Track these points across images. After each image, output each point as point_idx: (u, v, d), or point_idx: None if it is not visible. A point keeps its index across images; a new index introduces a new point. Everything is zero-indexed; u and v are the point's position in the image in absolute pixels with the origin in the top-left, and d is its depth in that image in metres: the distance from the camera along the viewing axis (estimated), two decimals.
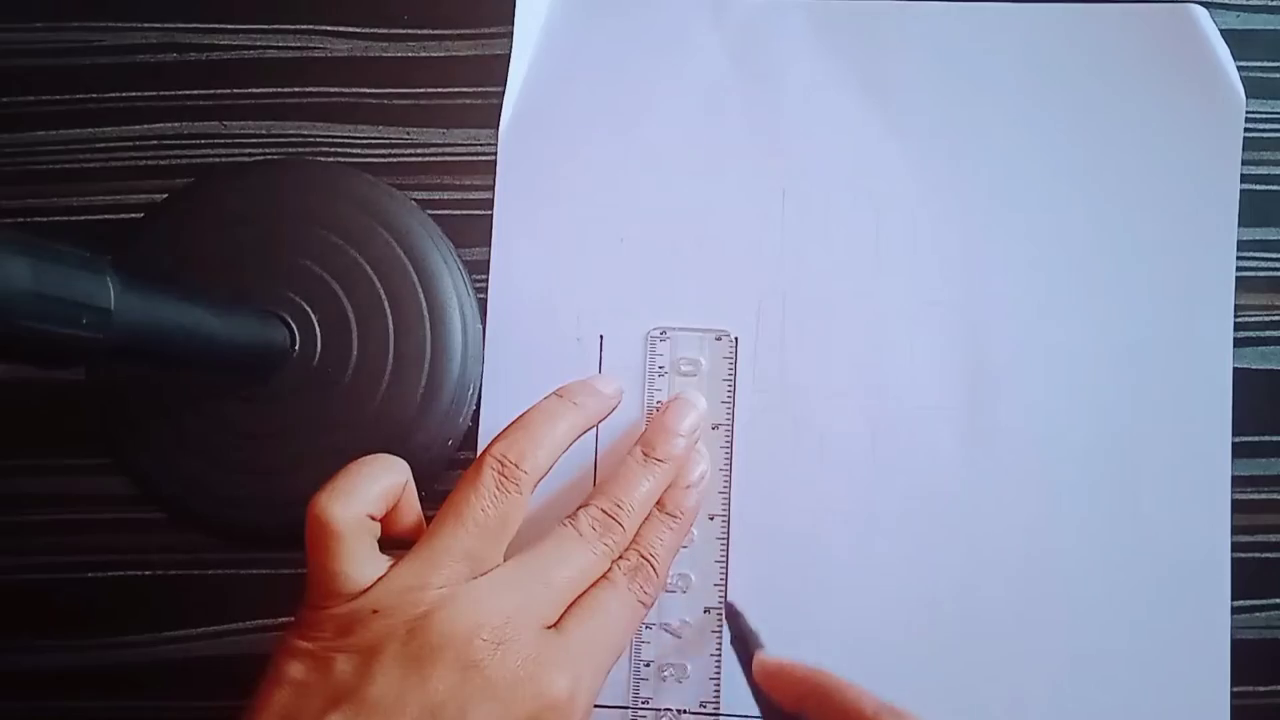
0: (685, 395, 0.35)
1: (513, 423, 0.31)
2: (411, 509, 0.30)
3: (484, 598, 0.27)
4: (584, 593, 0.29)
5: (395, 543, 0.29)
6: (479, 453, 0.30)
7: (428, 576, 0.27)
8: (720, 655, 0.34)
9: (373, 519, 0.28)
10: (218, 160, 0.37)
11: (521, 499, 0.29)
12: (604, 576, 0.30)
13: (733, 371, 0.36)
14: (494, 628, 0.27)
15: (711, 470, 0.35)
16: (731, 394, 0.36)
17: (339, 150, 0.37)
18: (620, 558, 0.31)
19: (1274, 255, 0.36)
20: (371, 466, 0.29)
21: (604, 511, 0.31)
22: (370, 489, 0.28)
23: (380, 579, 0.27)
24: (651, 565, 0.31)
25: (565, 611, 0.29)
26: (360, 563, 0.27)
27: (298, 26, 0.38)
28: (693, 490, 0.33)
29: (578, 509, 0.31)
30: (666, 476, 0.33)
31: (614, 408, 0.34)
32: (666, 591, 0.35)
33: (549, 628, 0.28)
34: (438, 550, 0.28)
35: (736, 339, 0.36)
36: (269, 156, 0.37)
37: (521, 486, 0.29)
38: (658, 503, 0.32)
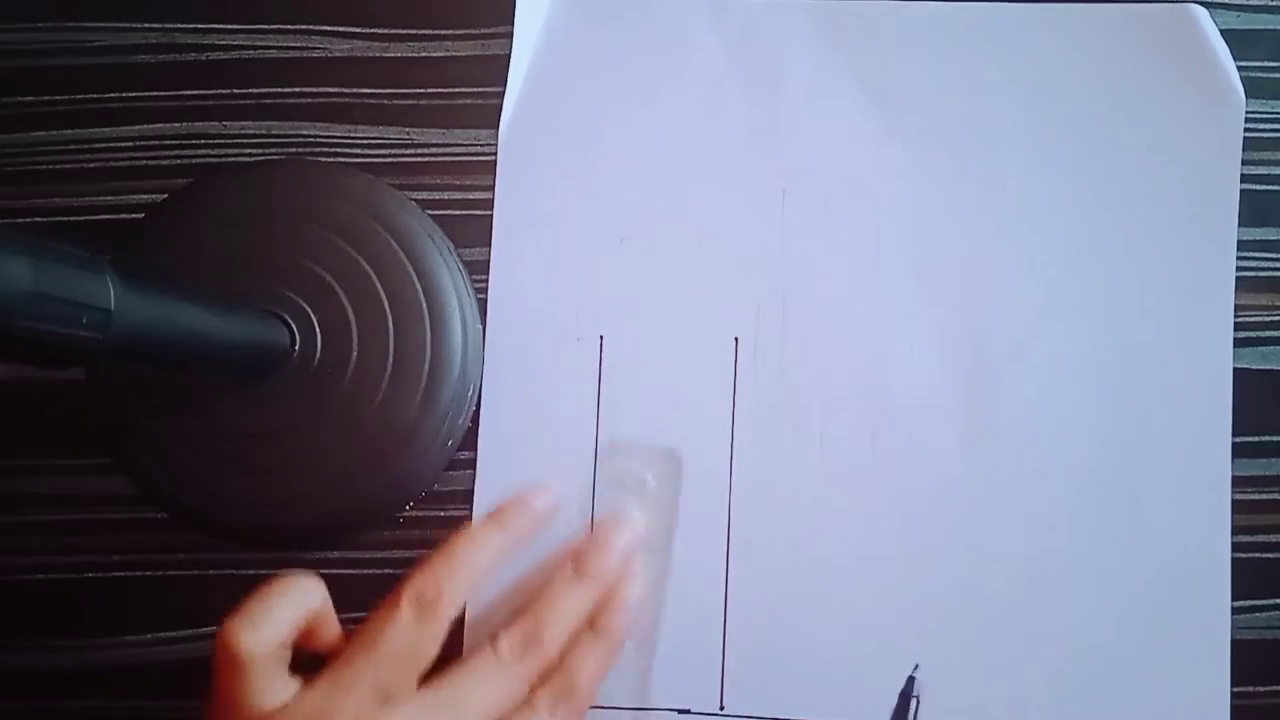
0: (622, 514, 0.35)
1: (437, 550, 0.31)
2: (330, 625, 0.30)
3: None
4: None
5: (314, 656, 0.29)
6: (398, 582, 0.30)
7: (336, 703, 0.27)
8: (722, 655, 0.34)
9: (284, 645, 0.28)
10: (217, 160, 0.37)
11: (439, 629, 0.29)
12: (526, 704, 0.30)
13: (678, 490, 0.35)
14: None
15: (648, 590, 0.34)
16: (731, 391, 0.36)
17: (339, 150, 0.37)
18: (545, 682, 0.30)
19: (1274, 255, 0.36)
20: (285, 592, 0.28)
21: (525, 632, 0.30)
22: (282, 616, 0.28)
23: (286, 705, 0.27)
24: (577, 692, 0.30)
25: None
26: (266, 691, 0.27)
27: (297, 27, 0.38)
28: (626, 612, 0.32)
29: (501, 628, 0.30)
30: (594, 594, 0.32)
31: (546, 524, 0.34)
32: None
33: None
34: (347, 677, 0.28)
35: (737, 339, 0.36)
36: (269, 156, 0.37)
37: (439, 619, 0.29)
38: (591, 622, 0.32)
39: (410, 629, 0.29)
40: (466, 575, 0.30)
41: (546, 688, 0.30)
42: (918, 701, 0.33)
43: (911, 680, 0.33)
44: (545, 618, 0.31)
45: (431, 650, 0.29)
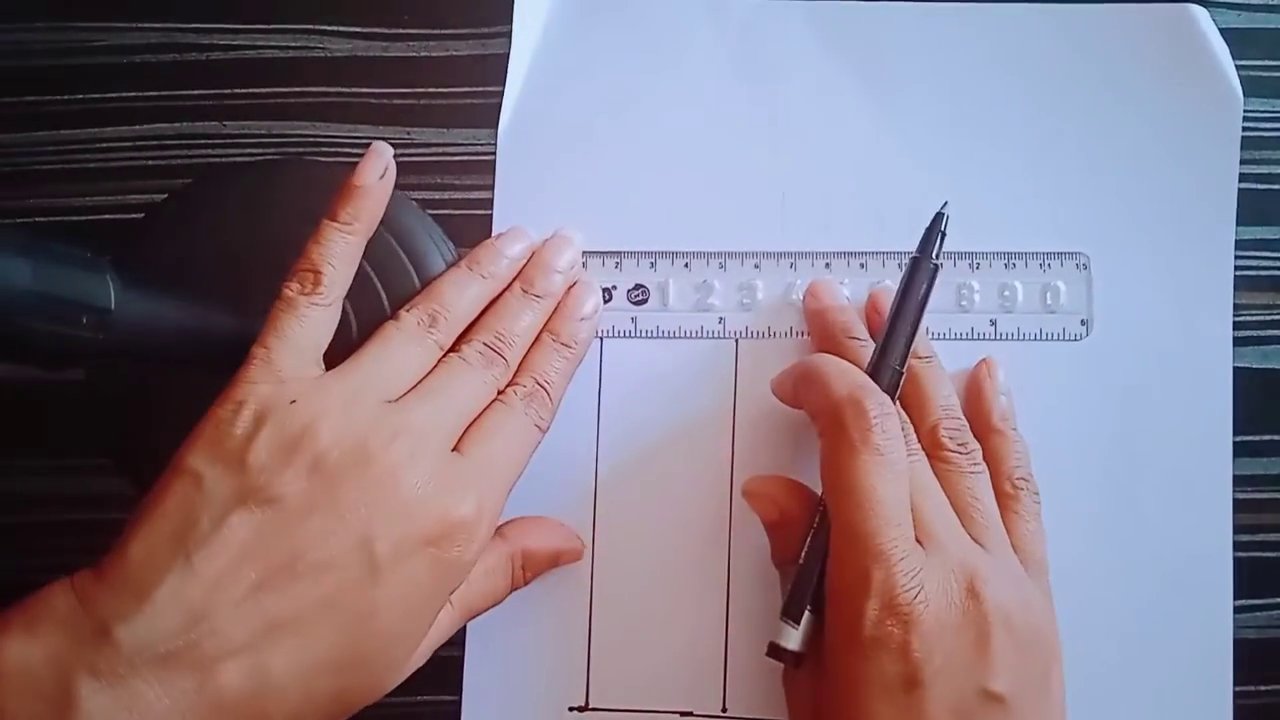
0: (562, 232, 0.35)
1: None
2: None
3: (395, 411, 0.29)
4: (478, 417, 0.30)
5: None
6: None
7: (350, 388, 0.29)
8: (725, 657, 0.34)
9: None
10: (218, 160, 0.37)
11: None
12: (498, 400, 0.31)
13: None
14: (409, 437, 0.28)
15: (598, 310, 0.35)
16: (732, 392, 0.35)
17: (339, 150, 0.37)
18: (512, 384, 0.31)
19: (1274, 254, 0.36)
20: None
21: (487, 345, 0.31)
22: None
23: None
24: (546, 391, 0.32)
25: (463, 436, 0.30)
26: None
27: (297, 26, 0.38)
28: (586, 323, 0.34)
29: (460, 340, 0.32)
30: (546, 311, 0.33)
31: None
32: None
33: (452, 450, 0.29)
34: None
35: (737, 339, 0.36)
36: (269, 156, 0.37)
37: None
38: (552, 333, 0.33)
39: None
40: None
41: (518, 388, 0.31)
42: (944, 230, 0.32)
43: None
44: (501, 331, 0.32)
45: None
